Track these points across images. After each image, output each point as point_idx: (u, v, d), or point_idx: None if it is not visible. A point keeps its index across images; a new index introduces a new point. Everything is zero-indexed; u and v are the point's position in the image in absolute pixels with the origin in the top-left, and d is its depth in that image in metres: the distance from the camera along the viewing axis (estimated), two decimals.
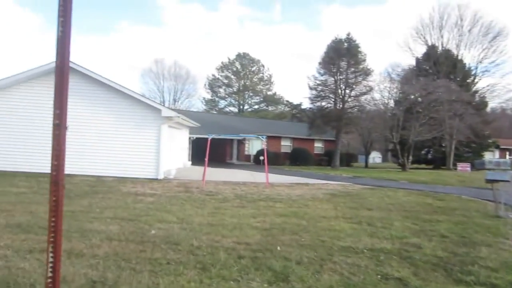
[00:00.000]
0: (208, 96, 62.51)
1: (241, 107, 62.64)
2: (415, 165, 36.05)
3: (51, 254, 2.63)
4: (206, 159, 14.83)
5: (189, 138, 25.22)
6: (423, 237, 6.37)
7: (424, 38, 40.16)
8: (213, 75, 62.06)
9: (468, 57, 39.74)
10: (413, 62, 40.45)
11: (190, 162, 23.85)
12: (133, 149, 14.91)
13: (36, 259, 4.50)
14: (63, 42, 2.78)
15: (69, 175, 13.44)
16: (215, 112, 58.03)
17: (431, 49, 38.99)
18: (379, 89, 33.25)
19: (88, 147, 14.33)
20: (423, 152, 39.21)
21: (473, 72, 40.26)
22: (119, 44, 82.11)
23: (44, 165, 13.34)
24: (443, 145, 36.37)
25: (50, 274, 2.64)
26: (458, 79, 37.13)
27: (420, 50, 41.07)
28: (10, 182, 11.71)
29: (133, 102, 15.17)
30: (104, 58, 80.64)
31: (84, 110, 14.26)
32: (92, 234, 5.75)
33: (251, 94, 62.95)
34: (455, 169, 31.99)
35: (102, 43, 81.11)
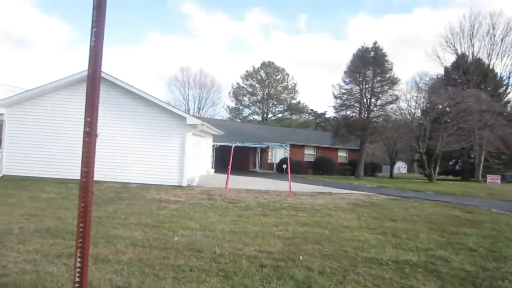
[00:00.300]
0: (232, 104, 63.16)
1: (265, 115, 62.83)
2: (442, 176, 35.05)
3: (79, 259, 2.71)
4: (229, 167, 14.93)
5: (213, 145, 25.48)
6: (450, 250, 6.18)
7: (454, 47, 39.25)
8: (237, 83, 62.73)
9: (500, 67, 38.60)
10: (441, 71, 39.60)
11: (213, 170, 24.06)
12: (158, 156, 15.19)
13: (64, 263, 4.63)
14: (95, 52, 2.89)
15: (96, 181, 13.76)
16: (239, 120, 58.44)
17: (461, 58, 38.03)
18: (405, 98, 32.69)
19: (114, 154, 14.66)
20: (450, 163, 38.10)
21: (505, 82, 39.03)
22: (146, 53, 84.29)
23: (72, 172, 13.88)
24: (472, 156, 35.20)
25: (77, 279, 2.71)
26: (489, 89, 36.03)
27: (449, 59, 40.19)
28: (40, 188, 12.12)
29: (158, 110, 15.50)
30: (131, 66, 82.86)
31: (111, 118, 14.62)
32: (117, 240, 5.88)
33: (275, 102, 63.11)
34: (485, 181, 30.88)
35: (127, 53, 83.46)
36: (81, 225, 2.82)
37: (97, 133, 2.86)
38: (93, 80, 2.87)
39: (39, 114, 15.27)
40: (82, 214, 2.87)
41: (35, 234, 6.10)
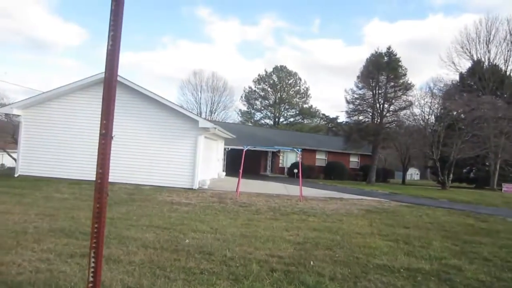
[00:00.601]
0: (244, 108, 63.27)
1: (277, 119, 62.80)
2: (455, 184, 34.49)
3: (93, 259, 2.75)
4: (241, 171, 14.96)
5: (224, 149, 25.56)
6: (464, 259, 6.08)
7: (470, 52, 38.66)
8: (249, 87, 62.87)
9: None
10: (456, 77, 39.05)
11: (225, 173, 24.12)
12: (170, 158, 15.31)
13: (77, 263, 4.70)
14: (112, 55, 2.94)
15: (109, 183, 13.94)
16: (250, 124, 58.49)
17: (477, 64, 37.44)
18: (419, 104, 32.29)
19: (127, 156, 14.82)
20: (464, 170, 37.45)
21: None
22: (159, 57, 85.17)
23: (86, 172, 14.10)
24: (487, 163, 34.54)
25: (91, 279, 2.75)
26: (505, 95, 35.36)
27: (465, 65, 39.60)
28: (55, 188, 12.34)
29: (171, 113, 15.63)
30: (144, 69, 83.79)
31: (124, 120, 14.75)
32: (129, 241, 5.94)
33: (287, 106, 63.05)
34: (500, 189, 30.27)
35: (140, 56, 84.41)
36: (96, 225, 2.86)
37: (113, 135, 2.90)
38: (110, 83, 2.91)
39: (54, 116, 15.54)
40: (96, 215, 2.91)
41: (49, 233, 6.22)
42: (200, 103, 55.44)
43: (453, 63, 40.11)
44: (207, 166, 18.16)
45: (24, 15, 74.05)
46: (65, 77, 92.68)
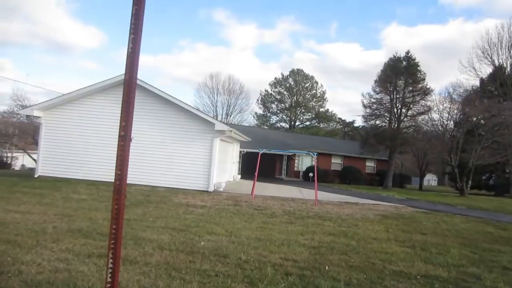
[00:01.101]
0: (260, 111, 63.36)
1: (293, 123, 62.67)
2: (474, 191, 33.68)
3: (111, 260, 2.79)
4: (256, 174, 14.98)
5: (240, 152, 25.63)
6: (482, 267, 5.94)
7: (491, 58, 37.73)
8: (266, 90, 62.94)
9: None
10: (476, 83, 38.19)
11: (240, 176, 24.18)
12: (186, 161, 15.43)
13: (94, 263, 4.77)
14: (132, 58, 2.98)
15: (127, 184, 14.14)
16: (266, 127, 58.52)
17: (498, 69, 36.51)
18: (438, 109, 31.70)
19: (144, 157, 15.01)
20: (484, 177, 36.56)
21: None
22: (176, 59, 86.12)
23: (103, 174, 14.35)
24: (507, 171, 33.65)
25: (109, 279, 2.79)
26: None
27: (486, 70, 38.71)
28: (73, 189, 12.57)
29: (188, 115, 15.78)
30: (161, 72, 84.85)
31: (141, 122, 14.95)
32: (145, 243, 6.01)
33: (303, 110, 62.87)
34: None
35: (158, 58, 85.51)
36: (114, 227, 2.89)
37: (131, 137, 2.95)
38: (129, 86, 2.95)
39: (73, 118, 15.84)
40: (115, 216, 2.94)
41: (67, 233, 6.33)
42: (216, 106, 55.77)
43: (474, 68, 39.26)
44: (222, 168, 18.24)
45: (45, 19, 76.11)
46: (84, 79, 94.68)
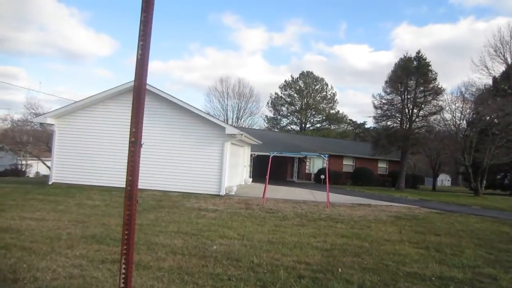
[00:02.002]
0: (271, 114, 63.38)
1: (303, 125, 62.52)
2: (489, 191, 33.11)
3: (123, 266, 2.81)
4: (267, 177, 14.97)
5: (251, 155, 25.66)
6: (498, 268, 5.84)
7: (504, 56, 37.02)
8: (276, 93, 62.98)
9: None
10: (489, 82, 37.56)
11: (251, 179, 24.19)
12: (197, 165, 15.49)
13: (108, 269, 4.81)
14: (141, 64, 3.03)
15: (139, 189, 14.26)
16: (277, 130, 58.47)
17: (511, 68, 35.98)
18: (450, 109, 31.29)
19: (155, 163, 15.09)
20: (498, 176, 35.90)
21: None
22: (186, 64, 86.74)
23: (116, 180, 14.50)
24: None
25: (122, 285, 2.82)
26: None
27: (498, 69, 38.05)
28: (86, 195, 12.69)
29: (198, 120, 15.86)
30: (171, 76, 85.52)
31: (152, 127, 15.14)
32: (157, 247, 6.04)
33: (313, 112, 62.71)
34: None
35: (168, 63, 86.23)
36: (126, 232, 2.92)
37: (142, 143, 2.98)
38: (139, 92, 2.99)
39: (86, 125, 16.01)
40: (127, 222, 2.96)
41: (81, 240, 6.39)
42: (227, 110, 55.94)
43: (486, 67, 38.62)
44: (234, 172, 18.27)
45: (59, 29, 77.49)
46: (97, 87, 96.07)
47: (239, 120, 55.89)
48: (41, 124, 18.66)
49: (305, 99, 61.64)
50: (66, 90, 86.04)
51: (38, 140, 33.14)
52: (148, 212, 9.76)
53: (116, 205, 10.76)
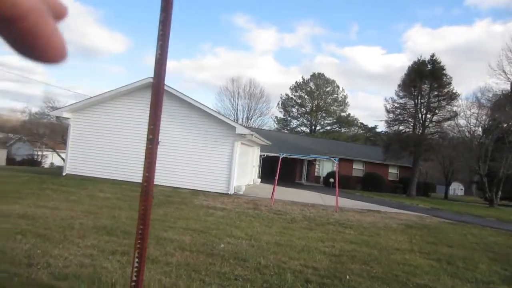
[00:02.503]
0: (281, 115, 63.25)
1: (313, 127, 62.24)
2: (505, 202, 32.44)
3: (136, 260, 2.84)
4: (276, 178, 14.92)
5: (260, 155, 25.63)
6: None
7: None
8: (286, 94, 62.80)
9: None
10: (507, 87, 36.89)
11: (260, 180, 24.16)
12: (207, 163, 15.53)
13: (118, 260, 4.88)
14: (160, 63, 3.03)
15: None
16: (286, 131, 58.35)
17: None
18: (465, 115, 30.81)
19: (166, 159, 15.16)
20: None
21: None
22: (198, 63, 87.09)
23: (126, 174, 14.65)
24: None
25: (134, 278, 2.84)
26: None
27: None
28: (99, 188, 12.86)
29: (210, 119, 15.89)
30: (184, 76, 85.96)
31: (164, 124, 15.22)
32: (166, 243, 6.08)
33: (324, 114, 62.38)
34: None
35: (183, 63, 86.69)
36: (141, 227, 2.94)
37: (159, 140, 2.99)
38: (157, 90, 3.00)
39: (100, 119, 16.26)
40: (142, 217, 2.98)
41: (92, 230, 6.51)
42: (237, 110, 56.05)
43: (504, 71, 37.82)
44: (242, 172, 18.27)
45: (75, 26, 78.51)
46: (110, 83, 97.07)
47: (249, 120, 55.96)
48: (57, 117, 18.96)
49: (316, 101, 61.34)
50: (80, 85, 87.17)
51: (53, 132, 33.83)
52: (158, 208, 9.81)
53: (126, 198, 10.85)
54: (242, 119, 55.07)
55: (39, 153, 36.91)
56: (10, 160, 31.72)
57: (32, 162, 32.62)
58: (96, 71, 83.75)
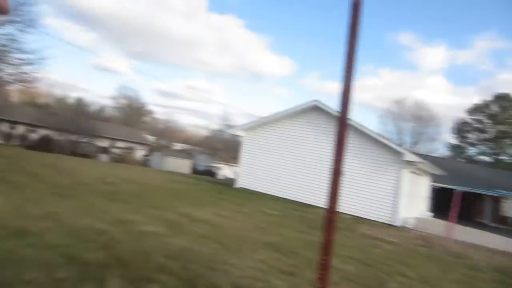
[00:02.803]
0: (454, 141, 56.15)
1: (498, 156, 53.02)
2: None
3: None
4: (454, 214, 13.09)
5: (430, 186, 23.11)
6: None
7: None
8: (461, 118, 55.54)
9: None
10: None
11: (430, 213, 21.72)
12: (371, 190, 14.77)
13: (287, 280, 4.91)
14: (345, 95, 3.03)
15: (310, 205, 14.62)
16: (462, 160, 51.36)
17: None
18: None
19: (327, 181, 15.16)
20: None
21: None
22: (358, 85, 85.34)
23: (292, 194, 15.23)
24: None
25: None
26: None
27: None
28: (265, 203, 13.56)
29: (372, 143, 15.17)
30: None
31: (325, 146, 15.39)
32: (331, 270, 5.90)
33: (510, 142, 52.53)
34: None
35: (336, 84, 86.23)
36: (324, 257, 2.89)
37: (343, 170, 2.95)
38: (342, 121, 2.98)
39: (268, 139, 17.53)
40: (325, 247, 2.96)
41: (261, 244, 6.78)
42: (402, 134, 52.41)
43: None
44: (410, 202, 16.73)
45: (246, 52, 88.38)
46: (275, 103, 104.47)
47: (416, 146, 51.51)
48: (232, 134, 21.46)
49: (500, 126, 52.16)
50: (249, 106, 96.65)
51: (228, 147, 38.50)
52: (321, 231, 9.73)
53: (290, 217, 11.19)
54: (408, 144, 51.23)
55: (215, 165, 42.24)
56: (194, 170, 37.44)
57: (209, 173, 37.60)
58: (262, 92, 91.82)
